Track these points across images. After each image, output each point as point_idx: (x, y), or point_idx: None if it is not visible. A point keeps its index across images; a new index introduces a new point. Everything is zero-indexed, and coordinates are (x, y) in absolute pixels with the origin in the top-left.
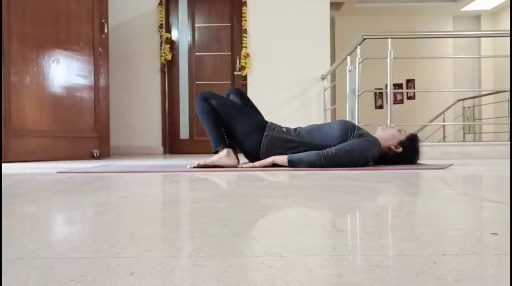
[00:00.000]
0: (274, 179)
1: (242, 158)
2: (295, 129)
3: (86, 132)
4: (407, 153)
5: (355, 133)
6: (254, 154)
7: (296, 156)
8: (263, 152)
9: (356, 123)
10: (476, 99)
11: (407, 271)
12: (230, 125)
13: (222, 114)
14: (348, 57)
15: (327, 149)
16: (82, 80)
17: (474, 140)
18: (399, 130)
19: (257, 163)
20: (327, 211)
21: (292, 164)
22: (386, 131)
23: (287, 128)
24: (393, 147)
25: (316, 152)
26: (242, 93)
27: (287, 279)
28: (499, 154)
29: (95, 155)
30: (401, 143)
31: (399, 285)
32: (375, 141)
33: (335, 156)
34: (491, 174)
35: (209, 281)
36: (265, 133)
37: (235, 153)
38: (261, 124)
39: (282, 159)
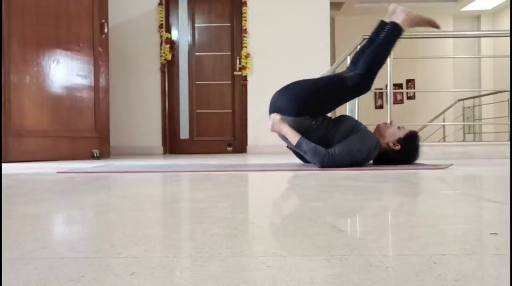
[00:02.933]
0: (274, 179)
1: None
2: (322, 122)
3: (86, 132)
4: (405, 150)
5: (357, 130)
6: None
7: (304, 146)
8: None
9: None
10: (476, 99)
11: (407, 271)
12: (325, 101)
13: (333, 96)
14: (348, 57)
15: (331, 151)
16: (82, 80)
17: (474, 140)
18: (398, 127)
19: (276, 126)
20: (327, 211)
21: (297, 148)
22: (385, 129)
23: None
24: (391, 144)
25: (323, 152)
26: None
27: (287, 279)
28: (499, 154)
29: (95, 155)
30: (399, 141)
31: (399, 285)
32: (375, 140)
33: (337, 159)
34: (491, 174)
35: (209, 281)
36: (313, 122)
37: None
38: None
39: (293, 137)
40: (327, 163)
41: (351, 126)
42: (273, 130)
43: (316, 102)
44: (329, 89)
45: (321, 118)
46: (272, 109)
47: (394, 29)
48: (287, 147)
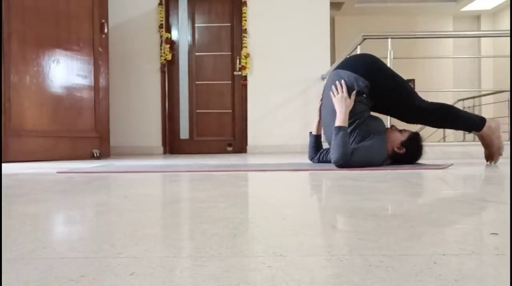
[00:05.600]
0: (274, 179)
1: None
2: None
3: (86, 132)
4: (410, 152)
5: (379, 137)
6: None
7: (342, 134)
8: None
9: None
10: (476, 99)
11: (407, 271)
12: (388, 92)
13: (395, 94)
14: None
15: (352, 155)
16: (82, 80)
17: (474, 141)
18: (400, 131)
19: (341, 99)
20: (327, 211)
21: (336, 129)
22: (389, 134)
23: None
24: (396, 149)
25: (348, 151)
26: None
27: (287, 279)
28: None
29: (95, 155)
30: (403, 144)
31: (399, 285)
32: (386, 156)
33: (353, 164)
34: (491, 174)
35: (209, 281)
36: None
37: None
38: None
39: (344, 119)
40: (343, 162)
41: (377, 130)
42: (337, 96)
43: (382, 83)
44: (400, 87)
45: (367, 101)
46: (345, 63)
47: (479, 119)
48: (310, 133)
